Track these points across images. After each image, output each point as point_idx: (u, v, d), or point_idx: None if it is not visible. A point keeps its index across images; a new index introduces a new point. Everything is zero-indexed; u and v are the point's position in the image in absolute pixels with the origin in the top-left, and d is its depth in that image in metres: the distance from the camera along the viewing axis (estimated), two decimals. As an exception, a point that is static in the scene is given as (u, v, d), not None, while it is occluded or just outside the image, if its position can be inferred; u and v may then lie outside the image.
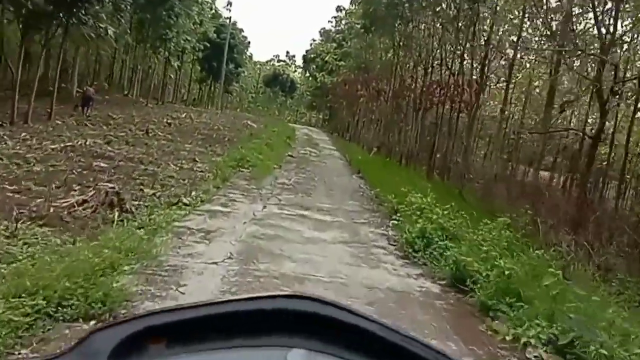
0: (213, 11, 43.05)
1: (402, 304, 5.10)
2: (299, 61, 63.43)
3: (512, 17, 19.91)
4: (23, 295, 3.41)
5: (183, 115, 27.18)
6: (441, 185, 16.31)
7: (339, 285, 5.35)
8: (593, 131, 15.47)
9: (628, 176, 20.84)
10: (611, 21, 13.16)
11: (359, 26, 32.97)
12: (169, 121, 22.70)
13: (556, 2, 15.92)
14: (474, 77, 18.80)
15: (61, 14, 16.72)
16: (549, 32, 15.90)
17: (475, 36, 18.64)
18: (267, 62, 71.59)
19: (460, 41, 19.09)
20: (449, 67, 20.28)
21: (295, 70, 68.33)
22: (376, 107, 32.09)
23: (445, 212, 8.20)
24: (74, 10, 16.72)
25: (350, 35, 40.34)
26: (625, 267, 9.32)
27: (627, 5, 14.01)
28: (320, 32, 53.94)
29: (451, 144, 20.28)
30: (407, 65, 25.80)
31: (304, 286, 5.06)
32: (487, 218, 8.43)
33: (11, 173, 8.73)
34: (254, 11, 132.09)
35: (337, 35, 47.28)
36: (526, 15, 18.31)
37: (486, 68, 18.74)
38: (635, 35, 16.97)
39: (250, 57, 62.51)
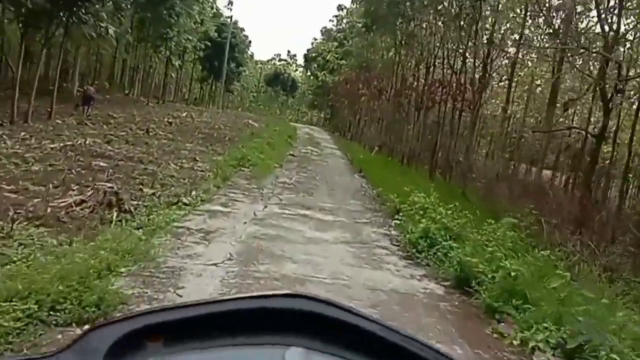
0: (214, 10, 42.89)
1: (405, 306, 4.99)
2: (301, 60, 63.38)
3: (514, 15, 19.80)
4: (15, 299, 3.30)
5: (184, 115, 27.08)
6: (444, 185, 16.18)
7: (341, 286, 5.23)
8: (596, 130, 15.36)
9: (631, 175, 20.70)
10: (614, 19, 13.05)
11: (360, 25, 32.87)
12: (169, 120, 22.60)
13: (558, 1, 15.82)
14: (477, 75, 18.66)
15: (61, 13, 16.63)
16: (551, 30, 15.79)
17: (478, 34, 18.50)
18: (268, 61, 71.51)
19: (463, 39, 18.95)
20: (452, 65, 20.15)
21: (297, 69, 68.17)
22: (378, 106, 31.96)
23: (449, 212, 8.07)
24: (74, 9, 16.61)
25: (351, 34, 40.25)
26: (630, 266, 9.19)
27: (629, 4, 13.87)
28: (321, 31, 53.93)
29: (453, 143, 20.14)
30: (409, 64, 25.66)
31: (306, 288, 4.95)
32: (491, 218, 8.32)
33: (9, 173, 8.61)
34: (255, 10, 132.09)
35: (339, 34, 47.19)
36: (528, 14, 18.20)
37: (489, 66, 18.60)
38: (638, 34, 16.80)
39: (252, 56, 62.46)
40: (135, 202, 7.48)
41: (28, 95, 16.38)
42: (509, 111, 22.92)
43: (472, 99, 18.08)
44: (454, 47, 20.05)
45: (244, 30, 53.03)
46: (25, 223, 5.67)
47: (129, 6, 22.44)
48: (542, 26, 17.86)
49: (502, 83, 23.72)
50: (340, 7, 48.28)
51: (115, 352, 0.67)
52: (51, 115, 17.79)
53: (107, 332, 0.69)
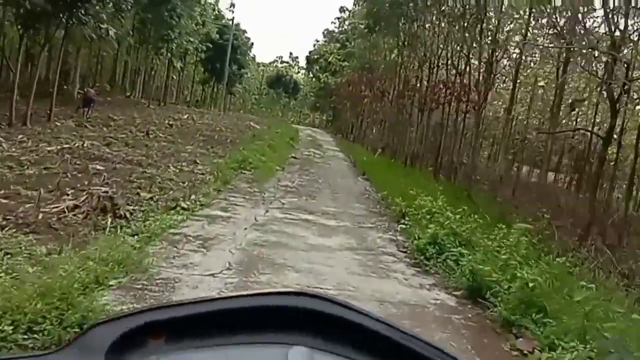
0: (216, 12, 42.72)
1: (416, 319, 4.68)
2: (303, 62, 63.13)
3: (517, 16, 19.50)
4: (-13, 319, 2.99)
5: (185, 117, 26.85)
6: (448, 187, 15.85)
7: (346, 298, 4.91)
8: (601, 131, 15.04)
9: (637, 176, 20.34)
10: (621, 19, 12.77)
11: (362, 26, 32.57)
12: (170, 122, 22.34)
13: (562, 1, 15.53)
14: (481, 76, 18.36)
15: (61, 14, 16.39)
16: (556, 31, 15.49)
17: (482, 34, 18.20)
18: (270, 63, 71.29)
19: (467, 40, 18.65)
20: (455, 66, 19.84)
21: (299, 71, 67.90)
22: (380, 108, 31.68)
23: (458, 217, 7.75)
24: (74, 10, 16.38)
25: (353, 35, 39.98)
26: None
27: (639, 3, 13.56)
28: (323, 32, 53.60)
29: (458, 145, 19.84)
30: (412, 65, 25.36)
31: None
32: (499, 222, 8.00)
33: (2, 176, 8.32)
34: (257, 12, 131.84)
35: (341, 36, 46.98)
36: (532, 15, 17.90)
37: (493, 67, 18.30)
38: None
39: (254, 58, 62.19)
40: (132, 207, 7.18)
41: (27, 98, 16.14)
42: (512, 112, 22.59)
43: (477, 99, 17.78)
44: (458, 48, 19.75)
45: (246, 32, 52.80)
46: (14, 230, 5.39)
47: (129, 7, 22.17)
48: (546, 26, 17.58)
49: (505, 84, 23.39)
50: (342, 9, 48.14)
51: (116, 349, 0.66)
52: (50, 118, 17.54)
53: (109, 329, 0.69)
